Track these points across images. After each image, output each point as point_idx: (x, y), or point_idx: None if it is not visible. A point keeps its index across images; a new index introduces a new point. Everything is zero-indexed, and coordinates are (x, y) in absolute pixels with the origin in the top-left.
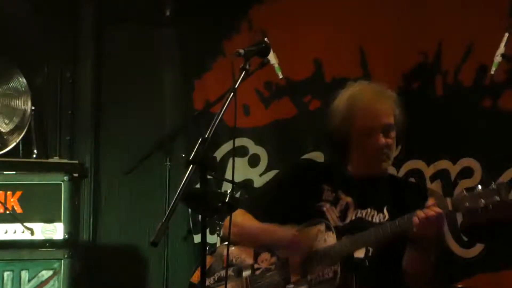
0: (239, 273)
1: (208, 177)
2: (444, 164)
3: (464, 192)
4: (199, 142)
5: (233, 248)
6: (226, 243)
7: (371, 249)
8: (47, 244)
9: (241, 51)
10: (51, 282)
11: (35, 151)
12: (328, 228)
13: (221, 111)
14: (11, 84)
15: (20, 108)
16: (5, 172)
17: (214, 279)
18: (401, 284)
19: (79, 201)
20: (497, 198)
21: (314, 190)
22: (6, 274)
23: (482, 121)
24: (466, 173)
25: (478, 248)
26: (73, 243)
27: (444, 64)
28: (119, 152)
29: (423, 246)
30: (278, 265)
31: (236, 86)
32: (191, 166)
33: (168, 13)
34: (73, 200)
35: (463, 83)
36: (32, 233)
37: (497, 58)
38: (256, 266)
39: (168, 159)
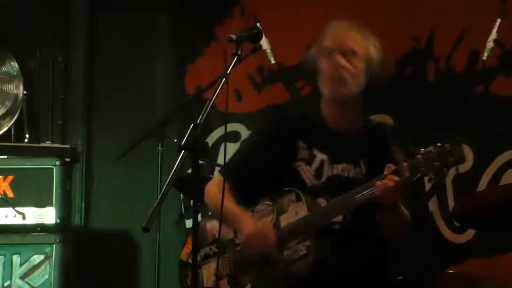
0: (223, 249)
1: (200, 162)
2: None
3: (420, 156)
4: (191, 127)
5: (214, 221)
6: (206, 217)
7: (348, 215)
8: (39, 229)
9: (233, 36)
10: (43, 267)
11: (27, 135)
12: (298, 199)
13: (213, 96)
14: (3, 69)
15: (12, 93)
16: None
17: (200, 256)
18: (379, 245)
19: (71, 186)
20: (452, 158)
21: (289, 149)
22: None
23: (474, 107)
24: None
25: (470, 233)
26: (64, 228)
27: (436, 49)
28: (111, 137)
29: (392, 210)
30: None
31: (228, 72)
32: (183, 151)
33: None
34: (65, 185)
35: (455, 68)
36: (24, 218)
37: (489, 44)
38: (236, 241)
39: (160, 144)
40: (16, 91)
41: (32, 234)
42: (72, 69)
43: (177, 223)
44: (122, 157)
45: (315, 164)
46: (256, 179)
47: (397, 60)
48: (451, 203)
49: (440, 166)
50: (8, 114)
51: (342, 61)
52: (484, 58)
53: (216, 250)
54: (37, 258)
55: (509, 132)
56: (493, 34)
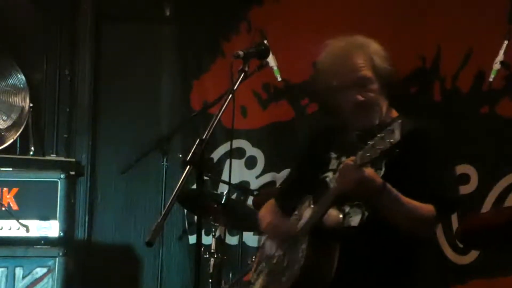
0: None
1: (205, 178)
2: None
3: (369, 143)
4: (196, 142)
5: (268, 241)
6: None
7: (366, 213)
8: (42, 242)
9: (240, 53)
10: (45, 280)
11: (32, 148)
12: (311, 203)
13: (219, 112)
14: (10, 81)
15: (18, 105)
16: (1, 169)
17: (256, 273)
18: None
19: (75, 199)
20: (391, 140)
21: (322, 160)
22: (0, 270)
23: (479, 127)
24: (463, 179)
25: (473, 254)
26: (68, 241)
27: (443, 69)
28: (116, 151)
29: (376, 202)
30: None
31: (234, 88)
32: (188, 166)
33: (167, 13)
34: (69, 198)
35: (461, 89)
36: (27, 230)
37: (496, 66)
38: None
39: (165, 159)
40: (22, 104)
41: (36, 247)
42: (78, 82)
43: (180, 239)
44: (126, 171)
45: None
46: (297, 194)
47: (402, 79)
48: (454, 224)
49: (382, 149)
50: (14, 127)
51: (360, 96)
52: (491, 79)
53: (265, 266)
54: (40, 271)
55: None
56: (500, 56)
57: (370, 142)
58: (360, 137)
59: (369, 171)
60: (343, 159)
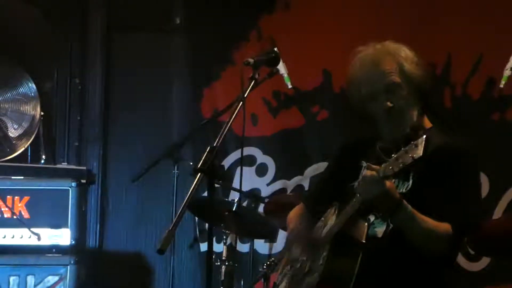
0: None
1: (216, 185)
2: None
3: (393, 156)
4: (207, 150)
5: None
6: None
7: (391, 225)
8: (54, 250)
9: (251, 60)
10: None
11: (43, 156)
12: (336, 210)
13: (229, 120)
14: (21, 90)
15: (29, 114)
16: (13, 177)
17: (281, 275)
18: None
19: (86, 207)
20: (414, 155)
21: (353, 169)
22: (12, 278)
23: (490, 134)
24: None
25: (485, 261)
26: (79, 249)
27: (453, 76)
28: (127, 159)
29: (392, 216)
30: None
31: (245, 96)
32: (199, 174)
33: (178, 21)
34: (80, 206)
35: (471, 95)
36: (39, 239)
37: (507, 72)
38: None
39: (175, 167)
40: (33, 112)
41: (47, 255)
42: (89, 91)
43: (191, 246)
44: (137, 179)
45: None
46: (326, 200)
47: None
48: None
49: (404, 163)
50: (25, 135)
51: (389, 103)
52: (501, 86)
53: (290, 269)
54: (52, 279)
55: None
56: (510, 62)
57: (394, 155)
58: (384, 149)
59: (389, 184)
60: None
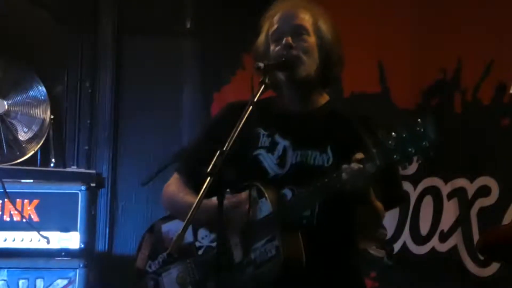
0: (184, 254)
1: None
2: (461, 182)
3: (391, 142)
4: (217, 154)
5: (170, 223)
6: (162, 218)
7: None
8: (63, 253)
9: (261, 64)
10: None
11: (53, 160)
12: (261, 194)
13: (239, 124)
14: (31, 93)
15: (39, 117)
16: (22, 181)
17: (159, 262)
18: (351, 241)
19: (95, 211)
20: (426, 143)
21: (249, 136)
22: (21, 282)
23: (500, 140)
24: (484, 191)
25: (494, 266)
26: (89, 253)
27: (463, 81)
28: (137, 163)
29: (364, 203)
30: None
31: (255, 100)
32: (209, 178)
33: (188, 25)
34: (90, 210)
35: (482, 101)
36: (48, 242)
37: None
38: (197, 244)
39: None
40: (43, 116)
41: (56, 258)
42: (99, 94)
43: None
44: (147, 182)
45: (278, 151)
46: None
47: (423, 91)
48: (475, 236)
49: (414, 153)
50: (34, 139)
51: (289, 39)
52: None
53: (176, 256)
54: (61, 283)
55: None
56: None
57: (392, 140)
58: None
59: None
60: (277, 137)
